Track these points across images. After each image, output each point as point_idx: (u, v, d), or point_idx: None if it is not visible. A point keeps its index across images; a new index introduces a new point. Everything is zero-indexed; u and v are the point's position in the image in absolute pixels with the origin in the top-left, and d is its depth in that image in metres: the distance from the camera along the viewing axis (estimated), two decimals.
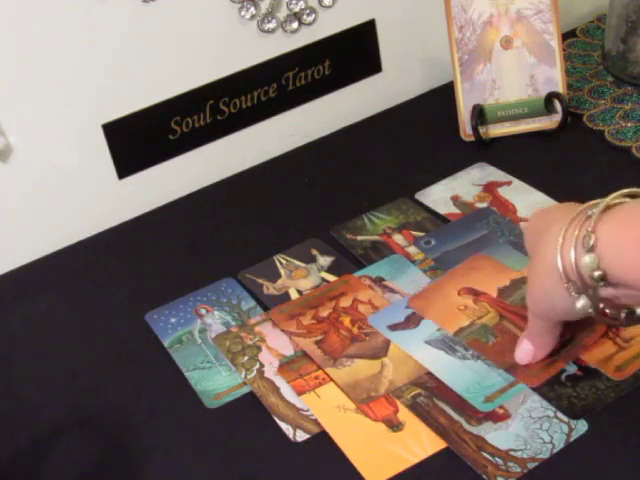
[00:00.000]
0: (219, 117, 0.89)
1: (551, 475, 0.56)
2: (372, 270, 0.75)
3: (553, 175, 0.84)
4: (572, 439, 0.58)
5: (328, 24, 0.91)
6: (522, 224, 0.77)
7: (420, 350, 0.65)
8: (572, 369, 0.62)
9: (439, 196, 0.83)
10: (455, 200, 0.83)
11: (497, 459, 0.57)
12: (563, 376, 0.62)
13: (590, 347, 0.63)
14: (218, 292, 0.75)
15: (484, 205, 0.81)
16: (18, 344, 0.74)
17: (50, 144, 0.81)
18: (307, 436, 0.61)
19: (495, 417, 0.59)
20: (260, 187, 0.90)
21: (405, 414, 0.61)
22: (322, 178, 0.90)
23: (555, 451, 0.57)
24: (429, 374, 0.63)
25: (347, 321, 0.69)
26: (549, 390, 0.61)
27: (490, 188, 0.83)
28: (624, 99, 0.93)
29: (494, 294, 0.69)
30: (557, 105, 0.89)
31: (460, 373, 0.63)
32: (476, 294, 0.69)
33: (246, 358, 0.68)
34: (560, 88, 0.89)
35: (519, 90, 0.89)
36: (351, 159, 0.92)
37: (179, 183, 0.90)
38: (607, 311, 0.52)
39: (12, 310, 0.78)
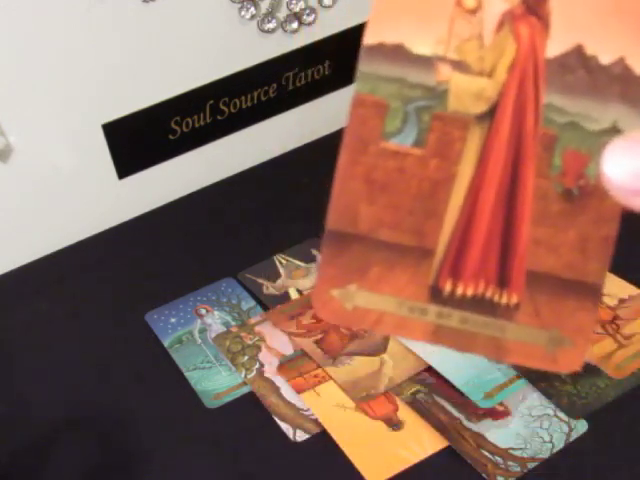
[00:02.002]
0: (219, 117, 0.89)
1: (551, 475, 0.56)
2: None
3: None
4: (572, 439, 0.58)
5: (328, 24, 0.91)
6: None
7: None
8: None
9: None
10: None
11: (497, 458, 0.57)
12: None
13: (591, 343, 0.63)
14: (218, 292, 0.75)
15: None
16: (18, 344, 0.74)
17: (50, 144, 0.81)
18: (307, 436, 0.61)
19: (495, 414, 0.59)
20: (260, 187, 0.90)
21: (405, 412, 0.61)
22: (322, 178, 0.90)
23: (555, 451, 0.57)
24: (428, 370, 0.63)
25: None
26: (549, 386, 0.61)
27: None
28: None
29: None
30: None
31: (460, 366, 0.62)
32: None
33: (246, 358, 0.68)
34: None
35: None
36: None
37: (179, 183, 0.90)
38: None
39: (12, 310, 0.78)
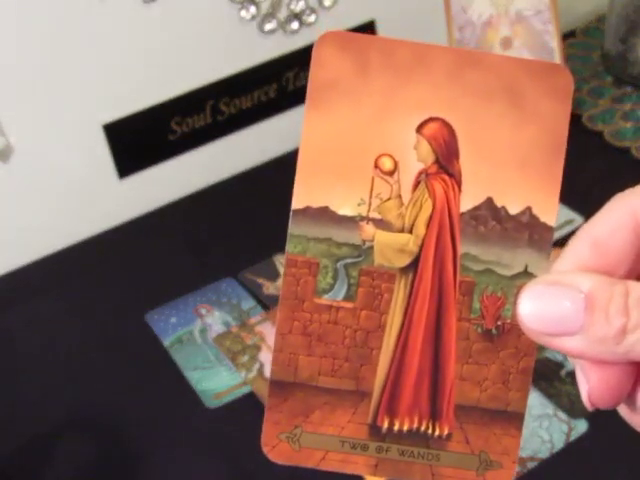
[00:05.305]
0: (219, 117, 0.89)
1: (551, 475, 0.56)
2: None
3: None
4: (572, 439, 0.58)
5: (328, 24, 0.91)
6: None
7: None
8: (572, 365, 0.62)
9: None
10: None
11: None
12: (563, 372, 0.62)
13: None
14: (218, 292, 0.75)
15: None
16: (18, 344, 0.74)
17: (50, 144, 0.81)
18: None
19: None
20: (260, 187, 0.90)
21: None
22: None
23: (555, 451, 0.57)
24: None
25: None
26: (549, 386, 0.61)
27: None
28: (624, 99, 0.94)
29: None
30: None
31: None
32: None
33: (246, 358, 0.68)
34: None
35: None
36: None
37: (179, 183, 0.90)
38: None
39: (12, 310, 0.78)
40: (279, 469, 0.60)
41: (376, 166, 0.29)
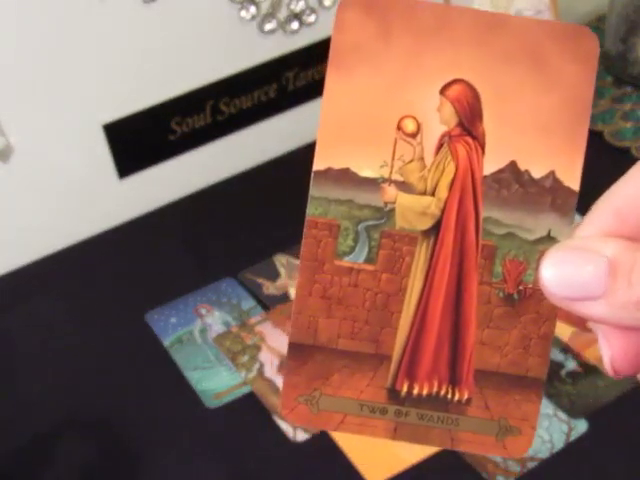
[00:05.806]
0: (219, 117, 0.89)
1: (550, 475, 0.56)
2: None
3: None
4: (572, 439, 0.58)
5: (329, 24, 0.91)
6: None
7: None
8: (572, 365, 0.62)
9: None
10: None
11: (496, 457, 0.57)
12: (563, 372, 0.62)
13: (590, 343, 0.63)
14: (218, 292, 0.75)
15: None
16: (18, 344, 0.74)
17: (50, 144, 0.81)
18: (307, 436, 0.61)
19: None
20: (260, 187, 0.90)
21: None
22: None
23: (554, 451, 0.57)
24: None
25: None
26: (549, 386, 0.61)
27: None
28: (624, 99, 0.93)
29: None
30: None
31: None
32: None
33: (246, 358, 0.68)
34: None
35: None
36: None
37: (179, 183, 0.90)
38: None
39: (12, 310, 0.78)
40: (279, 469, 0.60)
41: (399, 128, 0.29)
